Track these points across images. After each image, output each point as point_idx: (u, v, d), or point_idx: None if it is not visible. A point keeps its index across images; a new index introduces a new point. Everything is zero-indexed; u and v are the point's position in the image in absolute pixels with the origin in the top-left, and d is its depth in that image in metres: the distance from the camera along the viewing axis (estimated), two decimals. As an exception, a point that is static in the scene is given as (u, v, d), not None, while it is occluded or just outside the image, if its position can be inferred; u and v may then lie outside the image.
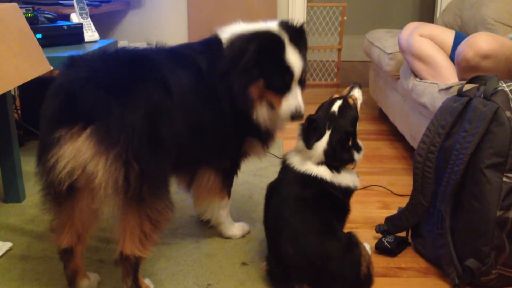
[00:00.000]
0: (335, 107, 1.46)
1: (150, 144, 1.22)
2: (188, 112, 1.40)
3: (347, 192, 1.46)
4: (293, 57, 1.48)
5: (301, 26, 1.55)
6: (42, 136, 1.25)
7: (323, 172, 1.43)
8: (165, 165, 1.30)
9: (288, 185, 1.45)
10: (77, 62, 1.30)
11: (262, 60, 1.46)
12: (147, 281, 1.42)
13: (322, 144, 1.43)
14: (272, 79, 1.48)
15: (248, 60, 1.45)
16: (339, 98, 1.49)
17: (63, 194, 1.24)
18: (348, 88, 1.54)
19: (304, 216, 1.39)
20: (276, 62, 1.48)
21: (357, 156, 1.46)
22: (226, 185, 1.67)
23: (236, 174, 1.71)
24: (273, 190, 1.50)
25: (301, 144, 1.46)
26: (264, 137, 1.62)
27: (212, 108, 1.49)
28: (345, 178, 1.45)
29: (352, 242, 1.40)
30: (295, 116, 1.51)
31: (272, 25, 1.54)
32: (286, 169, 1.48)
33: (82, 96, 1.18)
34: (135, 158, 1.18)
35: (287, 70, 1.48)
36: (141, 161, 1.19)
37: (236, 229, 1.73)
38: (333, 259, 1.35)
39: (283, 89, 1.50)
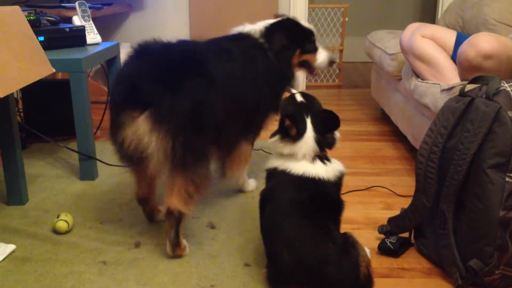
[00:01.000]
0: (300, 98, 1.51)
1: (193, 124, 1.50)
2: (229, 98, 1.66)
3: (340, 180, 1.47)
4: (308, 24, 1.98)
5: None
6: (112, 119, 1.58)
7: (319, 169, 1.43)
8: (205, 140, 1.57)
9: (283, 190, 1.43)
10: (143, 52, 1.59)
11: (294, 36, 1.92)
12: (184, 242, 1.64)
13: (309, 134, 1.43)
14: (305, 45, 1.95)
15: (285, 41, 1.90)
16: (293, 94, 1.54)
17: (135, 162, 1.59)
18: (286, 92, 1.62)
19: (297, 220, 1.36)
20: (301, 32, 1.95)
21: (336, 134, 1.48)
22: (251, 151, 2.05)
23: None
24: (267, 197, 1.47)
25: (286, 148, 1.45)
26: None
27: (254, 91, 1.81)
28: (337, 165, 1.47)
29: (349, 242, 1.38)
30: (332, 60, 2.01)
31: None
32: (278, 175, 1.46)
33: (142, 87, 1.49)
34: (181, 134, 1.47)
35: (310, 33, 1.97)
36: (186, 136, 1.48)
37: (250, 185, 2.11)
38: (329, 262, 1.32)
39: (314, 48, 1.97)
